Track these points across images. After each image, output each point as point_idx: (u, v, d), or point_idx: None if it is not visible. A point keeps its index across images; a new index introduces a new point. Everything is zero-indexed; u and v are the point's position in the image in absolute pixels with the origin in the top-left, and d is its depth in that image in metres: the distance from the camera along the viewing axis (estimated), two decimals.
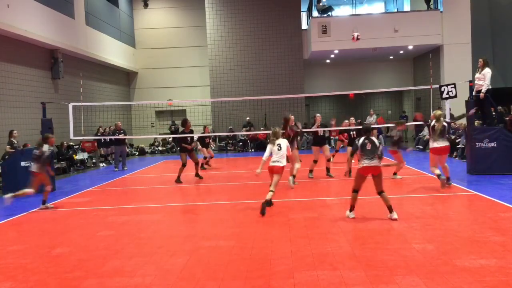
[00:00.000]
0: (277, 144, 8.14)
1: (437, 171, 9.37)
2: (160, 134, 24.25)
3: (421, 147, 18.10)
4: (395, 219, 6.91)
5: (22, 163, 11.12)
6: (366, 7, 24.69)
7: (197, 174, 12.50)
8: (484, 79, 11.18)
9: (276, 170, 8.03)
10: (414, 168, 12.83)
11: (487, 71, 11.20)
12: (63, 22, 17.12)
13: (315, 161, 11.64)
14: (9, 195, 8.98)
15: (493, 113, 12.10)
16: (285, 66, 22.68)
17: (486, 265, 4.88)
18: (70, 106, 13.04)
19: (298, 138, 10.73)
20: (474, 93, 11.51)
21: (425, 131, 18.41)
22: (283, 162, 8.12)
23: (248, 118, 21.98)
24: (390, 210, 7.05)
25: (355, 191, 7.24)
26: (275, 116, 21.21)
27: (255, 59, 22.81)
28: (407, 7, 23.52)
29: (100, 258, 5.72)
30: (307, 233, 6.46)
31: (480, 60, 11.57)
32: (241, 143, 22.13)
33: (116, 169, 15.65)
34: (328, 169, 11.91)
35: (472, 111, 11.08)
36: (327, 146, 11.74)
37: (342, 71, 24.75)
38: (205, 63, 23.69)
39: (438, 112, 9.54)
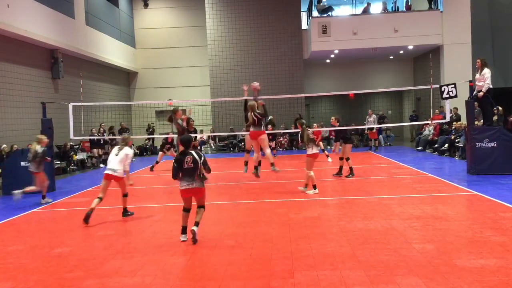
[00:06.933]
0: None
1: None
2: (160, 134, 24.22)
3: (420, 147, 18.07)
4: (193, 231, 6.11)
5: (22, 163, 11.14)
6: (366, 7, 24.59)
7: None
8: (484, 80, 11.19)
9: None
10: (414, 168, 12.82)
11: (487, 71, 11.22)
12: (63, 22, 17.10)
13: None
14: (18, 191, 9.32)
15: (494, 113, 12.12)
16: (285, 66, 22.64)
17: (486, 265, 4.88)
18: (70, 106, 13.03)
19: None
20: (474, 92, 11.53)
21: (427, 131, 18.42)
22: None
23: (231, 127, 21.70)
24: (196, 224, 6.20)
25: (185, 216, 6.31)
26: (274, 116, 21.24)
27: (255, 59, 22.77)
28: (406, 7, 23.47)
29: (100, 258, 5.72)
30: (307, 233, 6.45)
31: (478, 60, 11.59)
32: (242, 143, 22.07)
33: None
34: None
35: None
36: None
37: (342, 71, 24.70)
38: (205, 63, 23.66)
39: None
